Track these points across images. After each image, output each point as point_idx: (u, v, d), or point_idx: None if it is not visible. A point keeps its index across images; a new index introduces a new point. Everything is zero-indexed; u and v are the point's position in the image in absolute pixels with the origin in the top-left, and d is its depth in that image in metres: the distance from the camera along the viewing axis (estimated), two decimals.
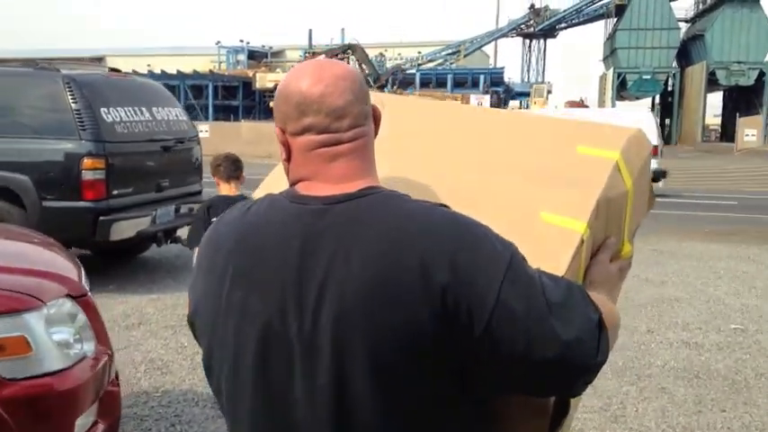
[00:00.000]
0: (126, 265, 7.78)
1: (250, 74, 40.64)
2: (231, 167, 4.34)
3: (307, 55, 41.45)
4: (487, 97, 31.40)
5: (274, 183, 1.41)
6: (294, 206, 1.17)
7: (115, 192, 6.36)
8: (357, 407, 1.09)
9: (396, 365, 1.07)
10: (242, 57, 45.19)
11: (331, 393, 1.09)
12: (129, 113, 6.67)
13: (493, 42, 48.84)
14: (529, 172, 1.44)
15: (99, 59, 48.20)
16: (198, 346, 1.31)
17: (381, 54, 44.27)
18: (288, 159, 1.22)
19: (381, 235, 1.10)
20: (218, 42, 46.23)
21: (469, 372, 1.10)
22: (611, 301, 1.31)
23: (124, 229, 6.43)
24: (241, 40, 45.92)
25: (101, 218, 6.27)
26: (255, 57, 45.65)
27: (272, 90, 38.13)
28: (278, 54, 47.14)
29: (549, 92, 40.06)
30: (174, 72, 40.54)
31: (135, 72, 40.66)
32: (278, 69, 42.38)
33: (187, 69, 40.52)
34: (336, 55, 39.66)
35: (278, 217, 1.18)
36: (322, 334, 1.09)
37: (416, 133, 1.52)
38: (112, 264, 7.61)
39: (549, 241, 1.31)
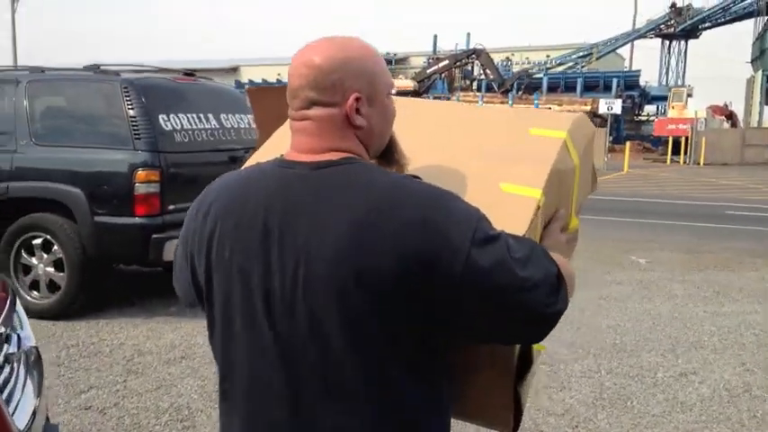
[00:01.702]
0: None
1: None
2: None
3: (430, 61, 40.79)
4: (619, 102, 29.41)
5: (266, 153, 1.58)
6: (281, 170, 1.32)
7: (171, 207, 5.77)
8: (332, 356, 1.24)
9: (369, 314, 1.22)
10: None
11: (308, 344, 1.25)
12: (192, 121, 6.08)
13: (628, 44, 46.20)
14: (488, 153, 1.61)
15: (234, 69, 49.71)
16: None
17: (508, 58, 42.95)
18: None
19: (359, 197, 1.24)
20: None
21: (441, 321, 1.25)
22: (565, 260, 1.40)
23: None
24: None
25: (154, 236, 5.70)
26: None
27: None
28: (402, 61, 46.77)
29: (690, 95, 37.24)
30: None
31: (264, 81, 41.75)
32: (400, 76, 41.93)
33: None
34: (461, 60, 38.86)
35: (265, 180, 1.33)
36: (301, 287, 1.24)
37: (402, 130, 1.55)
38: None
39: (509, 207, 1.46)
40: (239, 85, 42.08)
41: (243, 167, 1.50)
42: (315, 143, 1.32)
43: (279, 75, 42.71)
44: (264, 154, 1.59)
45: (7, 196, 5.99)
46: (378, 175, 1.29)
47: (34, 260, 6.01)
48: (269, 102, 1.96)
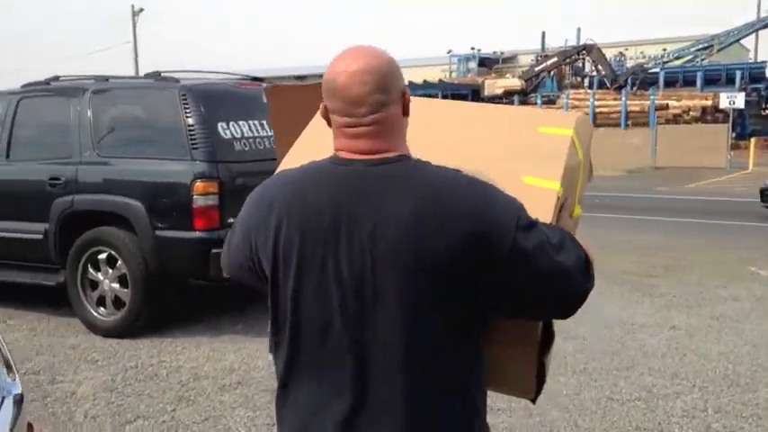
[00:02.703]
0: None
1: (479, 81, 39.56)
2: None
3: (539, 58, 39.51)
4: (742, 95, 27.33)
5: (296, 158, 1.68)
6: (340, 168, 1.46)
7: (231, 219, 5.42)
8: (393, 330, 1.40)
9: (426, 292, 1.38)
10: (473, 64, 44.16)
11: (373, 319, 1.40)
12: (254, 128, 5.76)
13: (752, 35, 43.15)
14: (504, 149, 1.75)
15: (301, 78, 50.12)
16: None
17: (621, 53, 40.92)
18: (330, 126, 1.50)
19: (416, 190, 1.40)
20: (450, 51, 45.84)
21: (488, 299, 1.42)
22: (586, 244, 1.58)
23: None
24: (472, 48, 45.05)
25: (213, 250, 5.38)
26: (486, 63, 44.41)
27: (501, 97, 37.27)
28: (509, 59, 45.55)
29: None
30: (406, 83, 40.68)
31: None
32: (508, 75, 40.85)
33: (420, 80, 40.53)
34: (571, 56, 37.39)
35: (327, 177, 1.46)
36: (369, 269, 1.39)
37: (417, 129, 1.63)
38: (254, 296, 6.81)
39: (534, 197, 1.58)
40: None
41: (278, 170, 1.66)
42: (375, 145, 1.46)
43: None
44: (299, 156, 1.69)
45: (72, 209, 5.86)
46: (430, 169, 1.45)
47: (100, 275, 5.84)
48: (287, 100, 2.05)
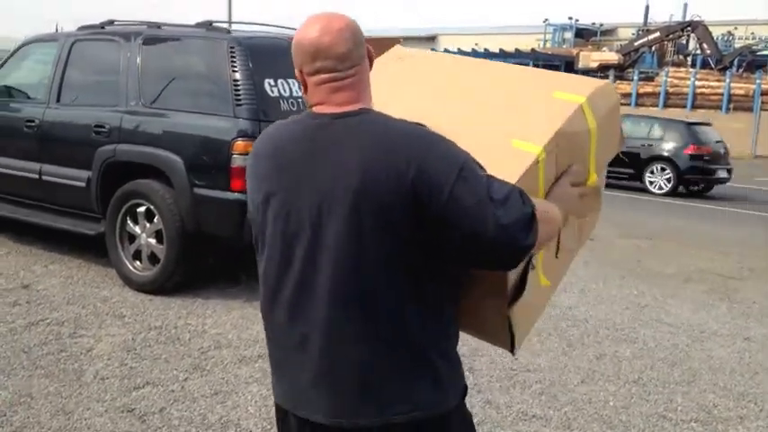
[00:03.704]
0: None
1: (574, 53, 38.05)
2: None
3: (640, 33, 37.69)
4: None
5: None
6: (310, 120, 1.65)
7: None
8: (345, 267, 1.56)
9: (377, 227, 1.53)
10: (569, 35, 42.56)
11: (332, 251, 1.56)
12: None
13: None
14: (511, 108, 1.86)
15: (432, 38, 49.23)
16: None
17: (729, 33, 38.57)
18: (305, 92, 1.68)
19: (371, 139, 1.56)
20: (546, 20, 44.24)
21: (431, 242, 1.55)
22: (557, 208, 1.72)
23: None
24: (570, 18, 43.41)
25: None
26: (584, 35, 42.70)
27: (596, 70, 35.75)
28: (609, 32, 43.59)
29: None
30: (497, 51, 39.64)
31: (459, 51, 41.01)
32: (604, 48, 39.13)
33: (512, 48, 39.32)
34: (674, 32, 35.49)
35: (299, 128, 1.66)
36: (326, 209, 1.56)
37: (427, 77, 2.02)
38: None
39: (511, 159, 1.72)
40: (475, 53, 41.53)
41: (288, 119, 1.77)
42: (352, 96, 1.64)
43: (476, 44, 41.62)
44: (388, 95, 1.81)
45: (114, 159, 5.67)
46: (384, 122, 1.61)
47: (138, 229, 5.66)
48: (378, 53, 2.07)
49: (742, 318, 5.90)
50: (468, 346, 4.60)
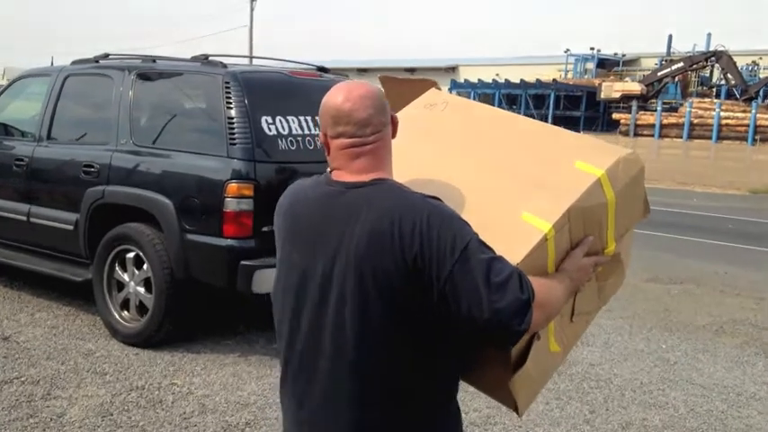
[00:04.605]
0: None
1: (596, 83, 37.52)
2: None
3: (663, 62, 37.17)
4: None
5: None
6: (326, 187, 1.71)
7: (266, 228, 4.73)
8: (348, 326, 1.62)
9: (379, 294, 1.59)
10: (590, 65, 42.04)
11: (335, 315, 1.63)
12: (305, 125, 5.03)
13: None
14: (529, 175, 1.86)
15: (452, 69, 49.06)
16: None
17: (754, 62, 37.85)
18: (328, 154, 1.75)
19: (377, 212, 1.61)
20: (567, 50, 43.80)
21: (431, 311, 1.59)
22: (561, 286, 1.76)
23: (271, 281, 4.77)
24: (591, 48, 42.88)
25: (243, 262, 4.71)
26: (606, 65, 42.18)
27: (619, 101, 35.24)
28: (631, 62, 43.00)
29: None
30: (518, 81, 39.30)
31: (480, 81, 40.64)
32: (627, 78, 38.59)
33: (534, 78, 38.97)
34: (698, 62, 34.94)
35: (315, 193, 1.73)
36: (334, 275, 1.63)
37: (451, 130, 2.07)
38: None
39: (519, 234, 1.73)
40: (454, 84, 41.24)
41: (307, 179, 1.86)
42: (371, 164, 1.70)
43: (497, 75, 41.34)
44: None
45: (103, 201, 5.31)
46: (396, 194, 1.66)
47: (126, 276, 5.28)
48: (401, 92, 2.21)
49: None
50: (479, 413, 4.15)
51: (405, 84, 2.30)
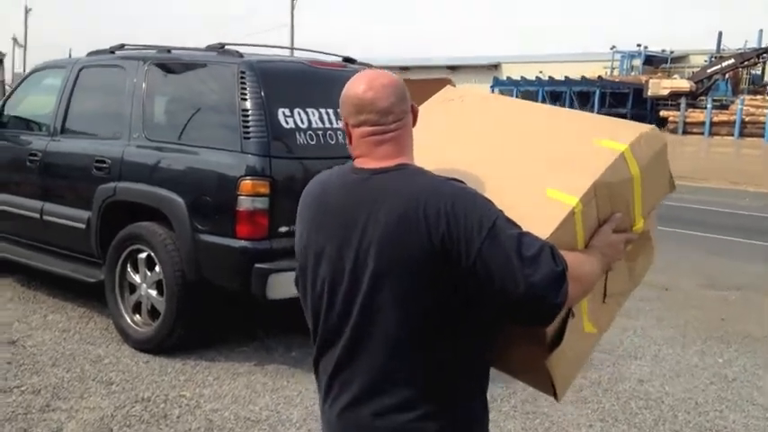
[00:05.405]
0: None
1: (643, 80, 36.49)
2: None
3: (713, 59, 36.03)
4: None
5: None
6: (351, 175, 1.72)
7: (283, 229, 4.38)
8: (382, 308, 1.63)
9: (409, 282, 1.59)
10: (637, 62, 40.98)
11: (366, 298, 1.64)
12: (325, 118, 4.65)
13: None
14: (552, 155, 1.84)
15: (495, 66, 48.38)
16: None
17: None
18: (350, 142, 1.75)
19: (402, 196, 1.62)
20: (613, 47, 42.75)
21: (460, 296, 1.60)
22: (594, 261, 1.74)
23: (287, 286, 4.41)
24: (638, 45, 41.80)
25: (257, 265, 4.35)
26: (653, 62, 41.03)
27: (667, 98, 34.18)
28: (679, 59, 41.72)
29: None
30: (562, 78, 38.49)
31: (523, 78, 39.89)
32: (675, 75, 37.41)
33: (578, 75, 38.13)
34: (748, 59, 33.79)
35: (340, 181, 1.74)
36: (363, 260, 1.63)
37: (469, 121, 2.05)
38: None
39: (546, 210, 1.71)
40: (497, 82, 40.56)
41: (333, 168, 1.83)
42: (393, 150, 1.71)
43: (540, 72, 40.61)
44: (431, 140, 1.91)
45: (114, 198, 5.02)
46: (420, 178, 1.67)
47: (138, 278, 4.97)
48: (417, 93, 2.06)
49: None
50: None
51: (420, 84, 2.28)
